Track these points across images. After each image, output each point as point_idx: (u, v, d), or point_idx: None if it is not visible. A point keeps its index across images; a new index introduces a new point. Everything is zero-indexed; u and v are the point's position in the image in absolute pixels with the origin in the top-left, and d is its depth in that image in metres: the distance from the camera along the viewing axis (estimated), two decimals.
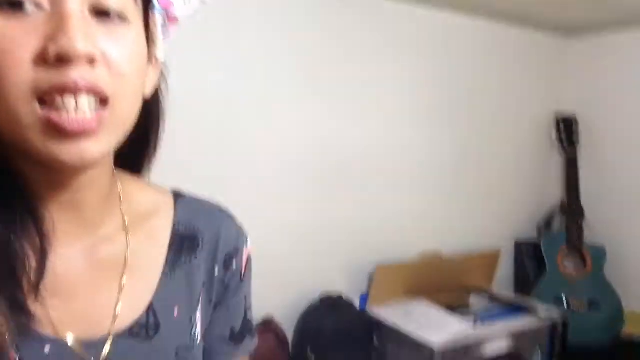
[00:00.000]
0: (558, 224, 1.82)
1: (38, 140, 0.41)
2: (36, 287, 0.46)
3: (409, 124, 1.57)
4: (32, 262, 0.46)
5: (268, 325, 1.28)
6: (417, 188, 1.61)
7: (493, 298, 1.63)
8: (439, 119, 1.62)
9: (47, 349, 0.47)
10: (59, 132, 0.41)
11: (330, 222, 1.45)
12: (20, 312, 0.45)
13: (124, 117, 0.45)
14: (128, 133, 0.46)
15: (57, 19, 0.41)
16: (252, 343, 0.62)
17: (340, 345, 1.30)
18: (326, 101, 1.42)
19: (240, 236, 0.61)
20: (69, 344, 0.48)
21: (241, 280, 0.60)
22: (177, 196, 0.60)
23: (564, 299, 1.66)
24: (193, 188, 0.61)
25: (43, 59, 0.41)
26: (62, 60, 0.41)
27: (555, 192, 1.85)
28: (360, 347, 1.34)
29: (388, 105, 1.53)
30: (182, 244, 0.57)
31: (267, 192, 1.35)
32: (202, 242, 0.58)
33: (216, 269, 0.58)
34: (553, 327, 1.49)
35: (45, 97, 0.41)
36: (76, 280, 0.50)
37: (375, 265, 1.45)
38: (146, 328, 0.52)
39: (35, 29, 0.41)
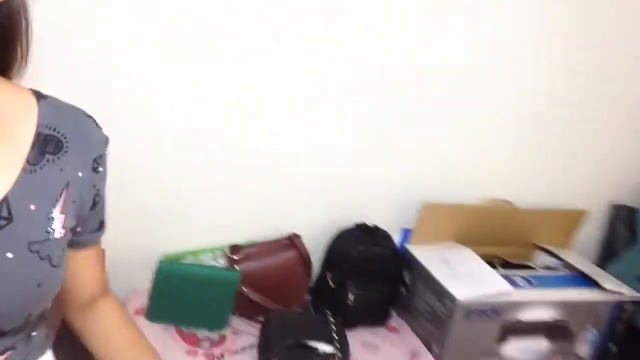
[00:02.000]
0: None
1: None
2: None
3: (507, 49, 1.35)
4: None
5: (293, 241, 1.27)
6: (495, 123, 1.41)
7: (560, 261, 1.45)
8: (543, 53, 1.38)
9: None
10: None
11: (383, 146, 1.34)
12: None
13: None
14: None
15: None
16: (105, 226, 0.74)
17: (362, 274, 1.25)
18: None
19: (104, 141, 0.66)
20: None
21: (104, 179, 0.68)
22: (39, 96, 0.61)
23: None
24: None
25: None
26: None
27: None
28: (385, 281, 1.29)
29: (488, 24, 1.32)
30: (46, 144, 0.59)
31: (318, 102, 1.26)
32: (66, 144, 0.60)
33: (82, 172, 0.62)
34: (620, 307, 1.30)
35: None
36: None
37: (423, 202, 1.35)
38: None
39: None
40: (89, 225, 0.68)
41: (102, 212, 0.70)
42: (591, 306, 1.28)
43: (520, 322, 1.23)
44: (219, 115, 1.20)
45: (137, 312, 1.16)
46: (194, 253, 1.26)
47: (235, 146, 1.24)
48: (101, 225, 0.72)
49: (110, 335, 0.74)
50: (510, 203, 1.48)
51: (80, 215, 0.64)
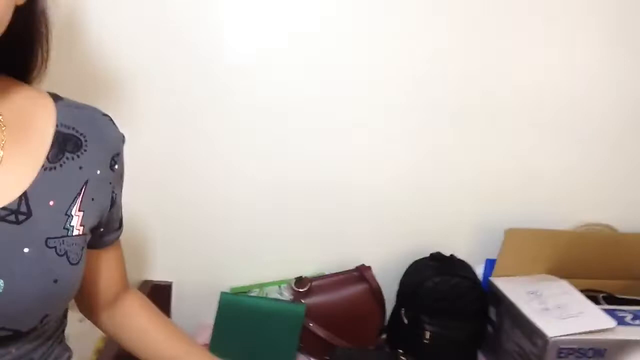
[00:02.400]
0: None
1: None
2: None
3: (605, 63, 1.21)
4: None
5: (362, 273, 1.19)
6: (589, 134, 1.25)
7: None
8: None
9: None
10: None
11: (460, 167, 1.24)
12: None
13: None
14: None
15: None
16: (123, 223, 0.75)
17: (439, 309, 1.14)
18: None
19: (121, 140, 0.67)
20: None
21: (121, 178, 0.69)
22: (56, 98, 0.63)
23: None
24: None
25: None
26: None
27: None
28: (467, 318, 1.16)
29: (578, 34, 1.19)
30: (65, 143, 0.60)
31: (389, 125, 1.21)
32: (85, 143, 0.62)
33: (100, 170, 0.63)
34: None
35: None
36: None
37: (507, 229, 1.22)
38: (16, 214, 0.55)
39: None
40: (111, 224, 0.70)
41: (120, 210, 0.72)
42: None
43: None
44: (286, 148, 1.19)
45: None
46: (260, 286, 1.22)
47: (302, 176, 1.21)
48: (120, 223, 0.74)
49: (147, 331, 0.76)
50: (612, 228, 1.30)
51: (101, 214, 0.65)
